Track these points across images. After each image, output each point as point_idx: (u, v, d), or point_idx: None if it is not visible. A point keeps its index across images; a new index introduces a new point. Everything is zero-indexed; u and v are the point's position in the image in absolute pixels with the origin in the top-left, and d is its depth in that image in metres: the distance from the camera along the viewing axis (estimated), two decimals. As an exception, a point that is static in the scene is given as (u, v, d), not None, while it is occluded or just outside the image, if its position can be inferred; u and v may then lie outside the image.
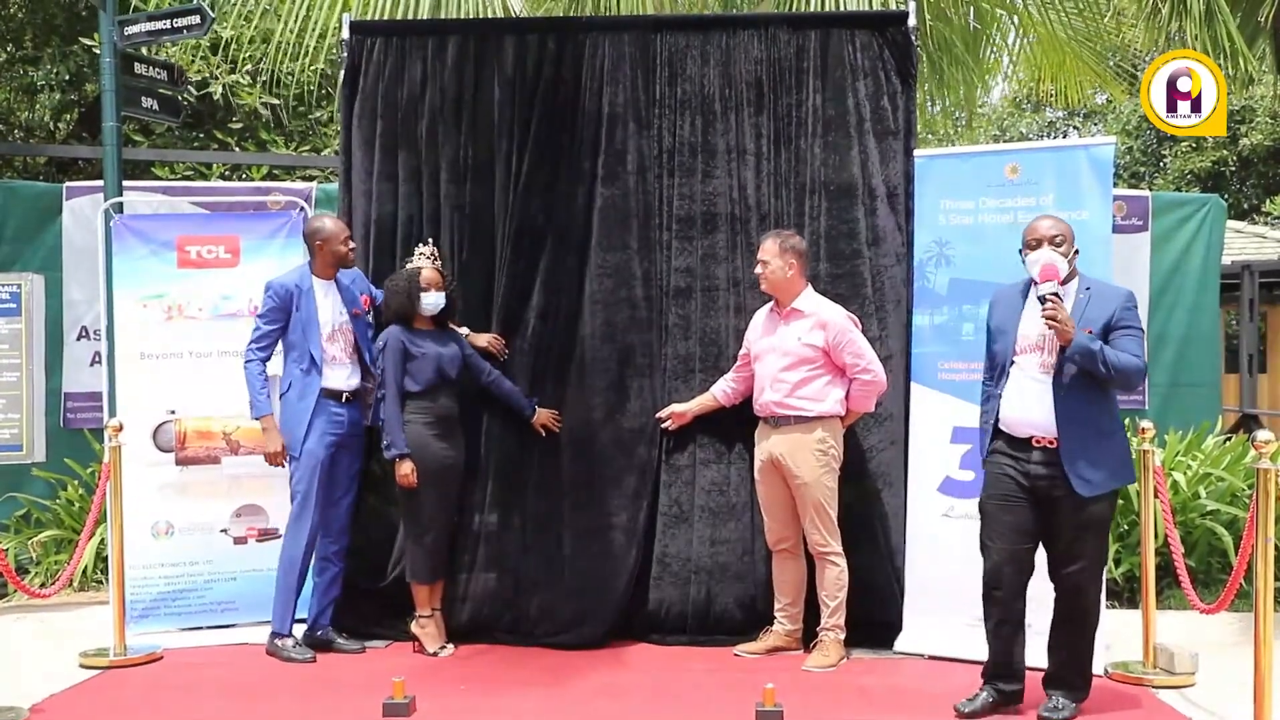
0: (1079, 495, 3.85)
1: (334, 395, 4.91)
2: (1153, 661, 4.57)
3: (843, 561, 4.74)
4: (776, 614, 4.91)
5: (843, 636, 4.75)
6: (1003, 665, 4.06)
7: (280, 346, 4.96)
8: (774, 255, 4.74)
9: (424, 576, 4.91)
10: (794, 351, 4.72)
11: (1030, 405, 3.94)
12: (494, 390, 5.09)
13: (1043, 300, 3.85)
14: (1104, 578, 4.02)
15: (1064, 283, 3.93)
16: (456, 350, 4.97)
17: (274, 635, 4.91)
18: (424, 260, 4.96)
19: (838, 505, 4.75)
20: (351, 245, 5.00)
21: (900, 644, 4.87)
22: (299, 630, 4.96)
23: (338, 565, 5.02)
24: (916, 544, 4.91)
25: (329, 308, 4.94)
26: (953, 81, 8.30)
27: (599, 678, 4.62)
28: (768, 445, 4.80)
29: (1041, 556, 4.03)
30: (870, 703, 4.28)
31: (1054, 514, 3.92)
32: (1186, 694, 4.37)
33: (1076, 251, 4.02)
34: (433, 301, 4.89)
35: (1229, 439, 6.81)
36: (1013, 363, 4.00)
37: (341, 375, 4.95)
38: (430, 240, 5.09)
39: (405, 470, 4.78)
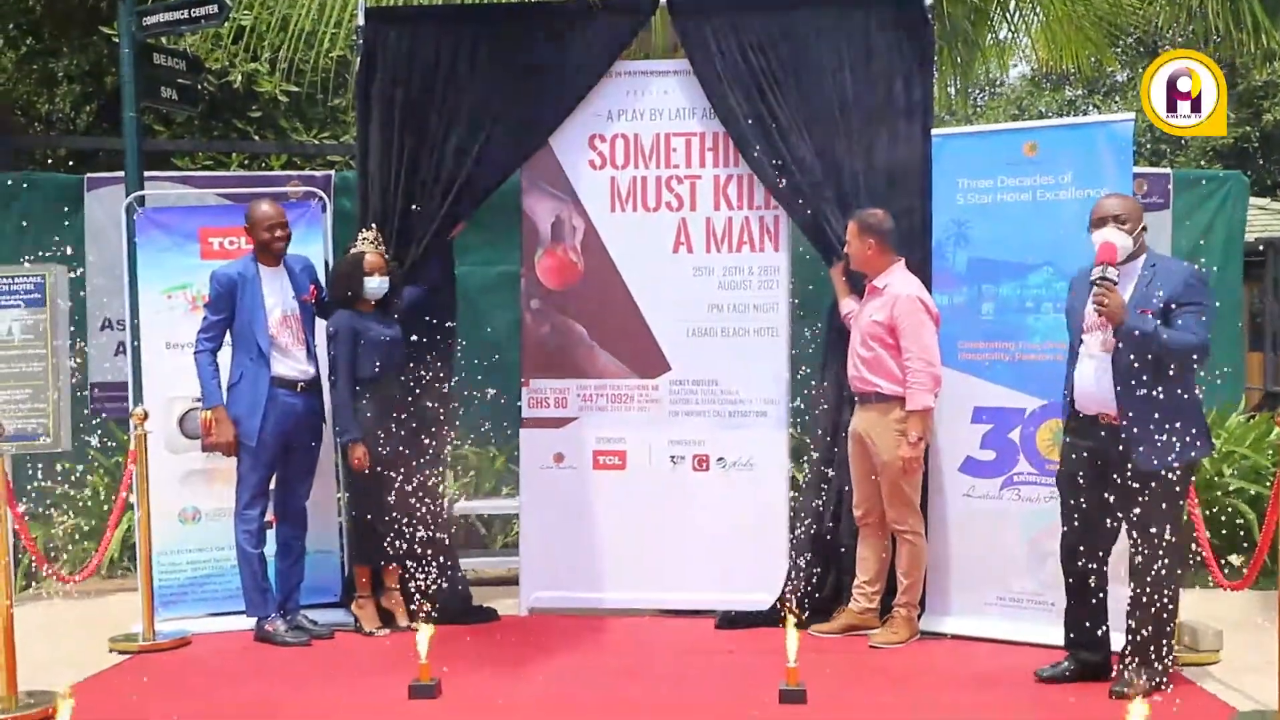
0: (1144, 469, 3.86)
1: (287, 384, 4.90)
2: (1177, 639, 4.56)
3: (919, 540, 4.76)
4: (854, 590, 4.92)
5: (916, 615, 4.80)
6: (1078, 633, 4.15)
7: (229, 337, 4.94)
8: (852, 236, 4.80)
9: (364, 559, 5.03)
10: (867, 329, 4.75)
11: (1094, 382, 4.00)
12: None
13: (1094, 284, 3.89)
14: (1179, 555, 3.95)
15: (1129, 260, 3.96)
16: (398, 334, 5.02)
17: (260, 621, 4.95)
18: (367, 245, 5.01)
19: (920, 484, 4.78)
20: (278, 235, 4.93)
21: (923, 624, 4.87)
22: None
23: (299, 550, 5.06)
24: (938, 524, 4.92)
25: (277, 293, 4.94)
26: (950, 62, 8.16)
27: (624, 657, 4.66)
28: (855, 420, 4.85)
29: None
30: (893, 683, 4.30)
31: (1122, 489, 3.93)
32: (1211, 671, 4.37)
33: (1144, 228, 4.03)
34: (376, 286, 4.93)
35: (1252, 417, 6.77)
36: (1081, 341, 4.07)
37: (293, 363, 4.94)
38: (374, 225, 5.12)
39: (359, 454, 4.83)
